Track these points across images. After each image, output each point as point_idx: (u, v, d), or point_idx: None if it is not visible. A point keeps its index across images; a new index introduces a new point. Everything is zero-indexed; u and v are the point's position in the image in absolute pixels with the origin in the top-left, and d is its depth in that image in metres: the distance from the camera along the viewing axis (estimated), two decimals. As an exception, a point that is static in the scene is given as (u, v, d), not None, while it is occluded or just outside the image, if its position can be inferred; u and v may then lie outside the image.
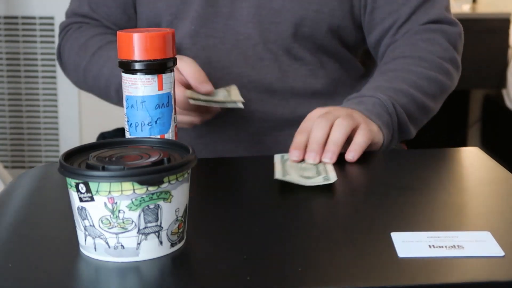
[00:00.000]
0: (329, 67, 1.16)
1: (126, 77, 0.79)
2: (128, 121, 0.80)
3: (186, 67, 1.00)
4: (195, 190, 0.69)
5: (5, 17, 2.65)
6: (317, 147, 0.90)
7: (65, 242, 0.68)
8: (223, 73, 1.13)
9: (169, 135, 0.80)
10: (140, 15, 1.18)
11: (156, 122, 0.79)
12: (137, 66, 0.78)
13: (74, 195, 0.62)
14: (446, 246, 0.64)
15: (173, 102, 0.81)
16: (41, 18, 2.64)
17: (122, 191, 0.60)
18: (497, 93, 2.83)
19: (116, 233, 0.62)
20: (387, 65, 1.11)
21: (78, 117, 2.71)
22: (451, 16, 1.16)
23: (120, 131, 1.32)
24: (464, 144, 3.03)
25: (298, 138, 0.92)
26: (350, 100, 1.03)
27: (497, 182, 0.85)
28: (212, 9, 1.13)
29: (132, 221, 0.61)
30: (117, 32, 0.80)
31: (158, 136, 0.79)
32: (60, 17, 2.33)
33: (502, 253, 0.63)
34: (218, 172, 0.89)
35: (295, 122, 1.00)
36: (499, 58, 2.65)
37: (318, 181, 0.81)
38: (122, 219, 0.61)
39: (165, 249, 0.64)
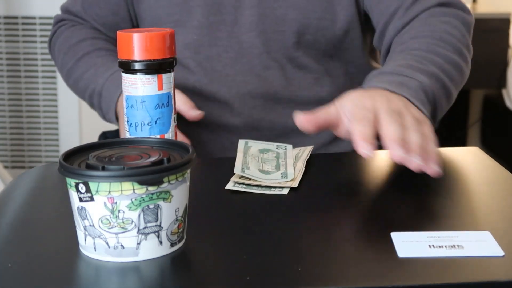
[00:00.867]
0: (335, 73, 1.15)
1: (126, 77, 0.79)
2: (128, 121, 0.80)
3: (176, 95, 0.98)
4: (195, 190, 0.69)
5: (5, 17, 2.65)
6: (421, 152, 0.78)
7: (65, 242, 0.68)
8: (227, 82, 1.13)
9: (169, 135, 0.80)
10: (143, 21, 1.19)
11: (156, 122, 0.79)
12: (137, 66, 0.78)
13: (74, 195, 0.62)
14: (446, 246, 0.64)
15: (173, 102, 0.81)
16: (41, 18, 2.64)
17: (122, 191, 0.60)
18: (497, 93, 2.83)
19: (116, 233, 0.62)
20: (407, 44, 1.01)
21: (78, 117, 2.71)
22: (462, 2, 1.09)
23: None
24: (464, 144, 3.02)
25: (362, 129, 0.78)
26: (386, 76, 0.91)
27: (497, 182, 0.85)
28: (215, 18, 1.12)
29: (132, 221, 0.61)
30: (117, 32, 0.80)
31: (158, 136, 0.79)
32: (60, 17, 2.33)
33: (502, 253, 0.63)
34: (218, 172, 0.88)
35: (301, 130, 0.98)
36: (499, 58, 2.64)
37: (275, 177, 0.81)
38: (122, 219, 0.61)
39: (165, 249, 0.64)
